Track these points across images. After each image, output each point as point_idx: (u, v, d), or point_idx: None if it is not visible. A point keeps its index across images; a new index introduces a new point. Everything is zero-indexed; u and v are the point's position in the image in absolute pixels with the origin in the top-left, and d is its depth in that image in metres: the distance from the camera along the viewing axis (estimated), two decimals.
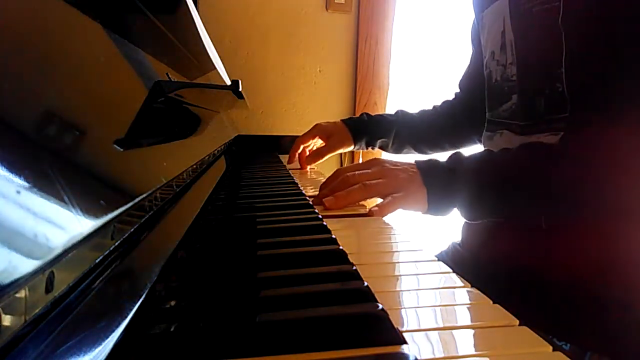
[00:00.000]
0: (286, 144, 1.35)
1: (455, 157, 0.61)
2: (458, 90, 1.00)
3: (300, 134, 1.03)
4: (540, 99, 0.63)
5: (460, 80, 0.98)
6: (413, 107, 1.03)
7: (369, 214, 0.56)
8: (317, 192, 0.64)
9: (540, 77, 0.63)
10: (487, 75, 0.77)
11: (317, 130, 1.00)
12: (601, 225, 0.60)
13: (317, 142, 1.04)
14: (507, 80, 0.71)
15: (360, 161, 1.33)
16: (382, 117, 1.00)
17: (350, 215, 0.56)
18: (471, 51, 0.93)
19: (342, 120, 1.01)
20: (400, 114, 1.00)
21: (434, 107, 1.02)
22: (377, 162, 0.62)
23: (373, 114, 1.02)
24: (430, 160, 0.61)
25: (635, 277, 0.57)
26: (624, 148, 0.54)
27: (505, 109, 0.72)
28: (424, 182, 0.58)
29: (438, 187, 0.58)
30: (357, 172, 0.59)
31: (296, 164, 1.04)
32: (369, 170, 0.60)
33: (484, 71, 0.78)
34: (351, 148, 1.00)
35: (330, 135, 0.99)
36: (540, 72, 0.63)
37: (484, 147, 0.80)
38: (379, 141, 0.99)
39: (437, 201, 0.58)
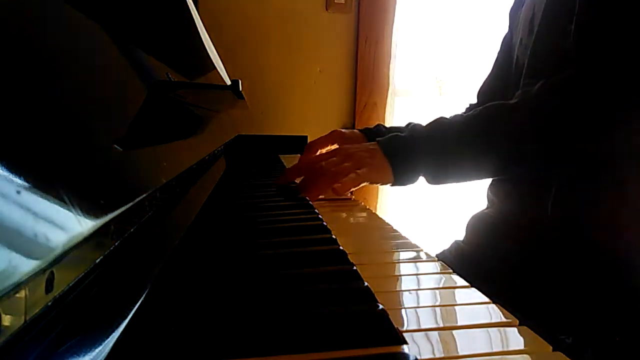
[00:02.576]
0: (286, 144, 1.34)
1: (412, 126, 0.64)
2: (474, 102, 0.99)
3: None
4: (550, 59, 0.65)
5: (479, 91, 0.98)
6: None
7: (332, 192, 0.58)
8: None
9: (553, 35, 0.64)
10: (515, 62, 0.78)
11: (336, 137, 0.96)
12: (606, 220, 0.60)
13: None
14: None
15: None
16: (397, 129, 0.99)
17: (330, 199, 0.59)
18: (493, 66, 0.93)
19: (359, 130, 0.99)
20: (412, 127, 0.99)
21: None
22: (340, 150, 0.65)
23: (388, 126, 1.00)
24: (390, 135, 0.64)
25: (638, 270, 0.58)
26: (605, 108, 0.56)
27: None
28: (385, 154, 0.61)
29: (399, 156, 0.60)
30: (323, 163, 0.62)
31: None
32: (335, 158, 0.62)
33: (513, 59, 0.79)
34: None
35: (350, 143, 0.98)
36: (554, 29, 0.64)
37: None
38: None
39: (401, 170, 0.60)
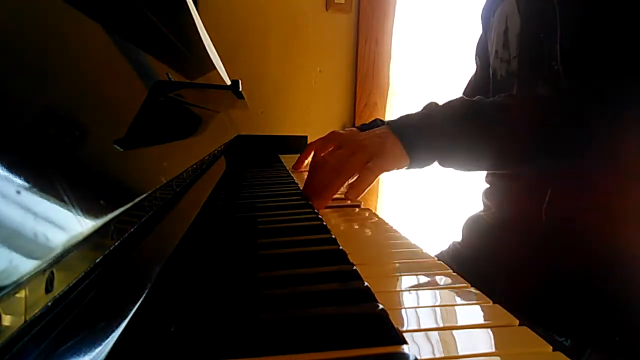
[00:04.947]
0: (286, 144, 1.35)
1: (430, 105, 0.60)
2: None
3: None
4: (539, 81, 0.64)
5: (464, 93, 0.98)
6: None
7: (345, 197, 0.55)
8: None
9: (539, 58, 0.63)
10: (492, 75, 0.77)
11: (334, 138, 0.98)
12: (602, 221, 0.60)
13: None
14: (511, 74, 0.71)
15: None
16: None
17: (341, 206, 0.57)
18: (475, 66, 0.92)
19: (357, 127, 0.99)
20: (428, 105, 0.99)
21: None
22: (344, 140, 0.59)
23: (385, 120, 1.00)
24: (401, 116, 0.60)
25: (636, 272, 0.58)
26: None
27: None
28: (398, 135, 0.56)
29: (414, 135, 0.56)
30: (329, 157, 0.57)
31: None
32: (341, 150, 0.57)
33: (490, 72, 0.78)
34: None
35: None
36: (539, 52, 0.63)
37: None
38: None
39: (416, 150, 0.56)
